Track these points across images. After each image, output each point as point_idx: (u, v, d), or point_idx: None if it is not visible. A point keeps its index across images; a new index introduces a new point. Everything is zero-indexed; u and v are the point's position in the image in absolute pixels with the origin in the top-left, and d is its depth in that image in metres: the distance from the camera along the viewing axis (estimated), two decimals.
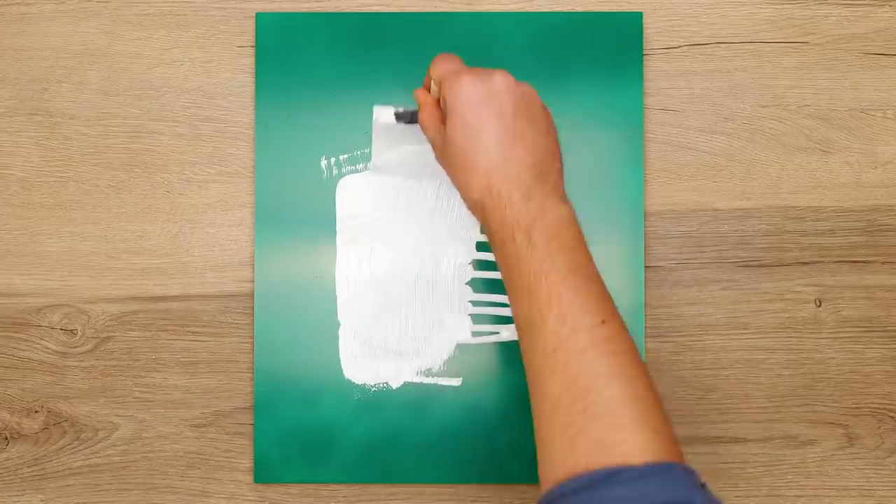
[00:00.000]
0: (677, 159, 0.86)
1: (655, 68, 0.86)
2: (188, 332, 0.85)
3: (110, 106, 0.86)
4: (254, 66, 0.86)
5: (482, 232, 0.73)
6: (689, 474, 0.60)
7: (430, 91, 0.75)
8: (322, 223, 0.85)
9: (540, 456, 0.63)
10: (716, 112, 0.86)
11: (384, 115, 0.80)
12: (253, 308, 0.85)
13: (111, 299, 0.85)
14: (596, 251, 0.77)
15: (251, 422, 0.85)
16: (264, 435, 0.84)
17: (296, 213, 0.85)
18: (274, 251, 0.85)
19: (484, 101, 0.68)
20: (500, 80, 0.69)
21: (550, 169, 0.69)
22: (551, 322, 0.63)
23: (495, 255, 0.69)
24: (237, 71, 0.86)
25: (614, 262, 0.84)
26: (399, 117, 0.80)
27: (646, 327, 0.85)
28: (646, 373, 0.65)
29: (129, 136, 0.86)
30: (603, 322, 0.64)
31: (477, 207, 0.69)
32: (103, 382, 0.85)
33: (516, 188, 0.67)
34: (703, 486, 0.61)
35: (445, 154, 0.71)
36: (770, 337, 0.85)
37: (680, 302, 0.85)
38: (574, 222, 0.67)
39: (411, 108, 0.79)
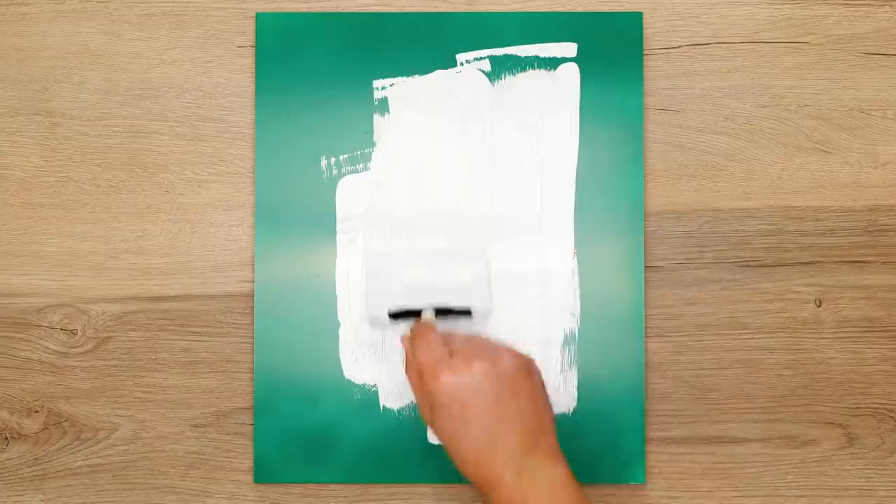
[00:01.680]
0: (677, 159, 0.85)
1: (655, 68, 0.85)
2: (188, 332, 0.85)
3: (110, 106, 0.86)
4: (254, 66, 0.85)
5: None
6: None
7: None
8: (322, 223, 0.84)
9: None
10: (716, 112, 0.86)
11: (374, 307, 0.81)
12: (253, 308, 0.84)
13: (111, 299, 0.85)
14: (596, 251, 0.83)
15: (251, 422, 0.84)
16: (264, 435, 0.84)
17: (296, 213, 0.84)
18: (274, 251, 0.84)
19: (466, 396, 0.71)
20: (479, 373, 0.71)
21: (539, 432, 0.71)
22: None
23: None
24: (237, 71, 0.86)
25: (614, 262, 0.84)
26: (392, 317, 0.81)
27: (646, 327, 0.85)
28: None
29: (130, 136, 0.86)
30: None
31: (476, 486, 0.72)
32: (103, 382, 0.85)
33: (507, 470, 0.69)
34: None
35: (435, 430, 0.73)
36: (770, 337, 0.85)
37: (680, 302, 0.85)
38: (570, 481, 0.70)
39: (405, 308, 0.80)
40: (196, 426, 0.85)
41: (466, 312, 0.80)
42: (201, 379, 0.85)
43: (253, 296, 0.84)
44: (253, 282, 0.85)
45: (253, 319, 0.84)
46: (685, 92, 0.86)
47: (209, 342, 0.85)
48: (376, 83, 0.85)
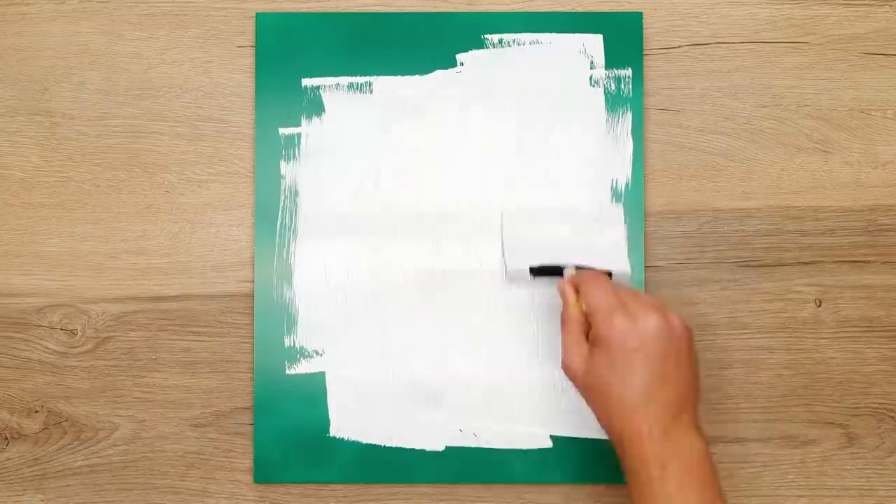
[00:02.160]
0: (677, 159, 0.85)
1: (655, 68, 0.85)
2: (188, 332, 0.85)
3: (110, 106, 0.85)
4: (254, 66, 0.85)
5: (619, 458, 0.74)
6: None
7: (575, 294, 0.76)
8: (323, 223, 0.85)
9: None
10: (716, 112, 0.85)
11: (516, 262, 0.81)
12: (253, 308, 0.84)
13: (111, 299, 0.85)
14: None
15: (251, 422, 0.84)
16: (264, 435, 0.83)
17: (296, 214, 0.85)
18: (273, 251, 0.84)
19: (635, 344, 0.71)
20: (653, 326, 0.72)
21: (689, 403, 0.72)
22: None
23: (628, 481, 0.71)
24: (237, 71, 0.85)
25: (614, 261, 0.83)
26: (534, 272, 0.81)
27: None
28: None
29: (130, 136, 0.85)
30: None
31: (615, 436, 0.72)
32: (103, 382, 0.84)
33: (656, 426, 0.70)
34: None
35: (587, 377, 0.73)
36: (770, 337, 0.85)
37: (680, 302, 0.84)
38: (707, 457, 0.71)
39: (547, 265, 0.80)
40: (196, 426, 0.84)
41: (607, 275, 0.79)
42: (201, 379, 0.84)
43: (253, 296, 0.84)
44: (253, 282, 0.84)
45: (253, 319, 0.84)
46: (685, 92, 0.85)
47: (209, 342, 0.85)
48: (375, 82, 0.85)
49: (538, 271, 0.80)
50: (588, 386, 0.73)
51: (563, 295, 0.76)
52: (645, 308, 0.72)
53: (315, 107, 0.85)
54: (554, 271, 0.80)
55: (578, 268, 0.79)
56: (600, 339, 0.72)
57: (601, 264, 0.79)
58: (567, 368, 0.74)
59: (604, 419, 0.73)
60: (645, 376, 0.71)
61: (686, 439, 0.70)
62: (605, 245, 0.80)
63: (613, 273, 0.79)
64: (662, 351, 0.71)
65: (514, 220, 0.81)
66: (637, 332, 0.71)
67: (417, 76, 0.85)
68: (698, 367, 0.74)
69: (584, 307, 0.75)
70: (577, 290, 0.76)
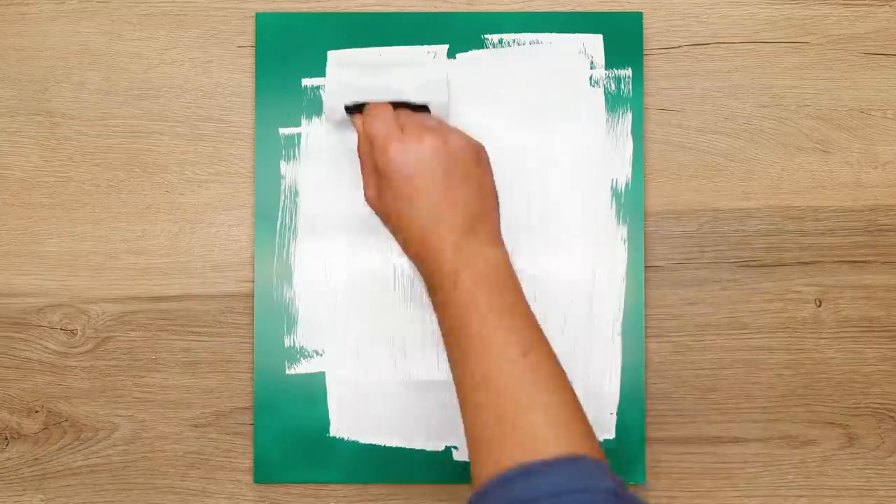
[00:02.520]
0: (677, 159, 0.85)
1: (655, 68, 0.85)
2: (188, 332, 0.85)
3: (110, 106, 0.85)
4: (254, 66, 0.85)
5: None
6: (598, 464, 0.63)
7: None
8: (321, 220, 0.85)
9: (471, 467, 0.66)
10: (716, 112, 0.85)
11: (333, 99, 0.80)
12: (253, 308, 0.84)
13: (111, 299, 0.85)
14: (596, 251, 0.83)
15: (251, 422, 0.84)
16: (264, 435, 0.83)
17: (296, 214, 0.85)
18: (273, 251, 0.84)
19: (414, 168, 0.71)
20: (429, 146, 0.71)
21: (483, 219, 0.71)
22: (473, 359, 0.67)
23: (431, 302, 0.72)
24: (237, 71, 0.85)
25: (615, 261, 0.84)
26: (349, 110, 0.80)
27: (646, 327, 0.85)
28: (566, 386, 0.67)
29: (130, 136, 0.85)
30: (524, 354, 0.66)
31: (414, 261, 0.73)
32: (103, 382, 0.84)
33: (448, 243, 0.69)
34: (612, 476, 0.63)
35: (381, 207, 0.74)
36: (770, 337, 0.85)
37: (680, 302, 0.85)
38: (503, 264, 0.70)
39: (361, 102, 0.79)
40: (196, 426, 0.84)
41: (424, 108, 0.79)
42: (201, 379, 0.84)
43: (253, 296, 0.84)
44: (253, 282, 0.84)
45: (253, 319, 0.84)
46: (685, 92, 0.85)
47: (209, 342, 0.85)
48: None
49: (353, 109, 0.79)
50: (384, 215, 0.74)
51: (356, 128, 0.77)
52: (420, 132, 0.72)
53: (315, 107, 0.85)
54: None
55: (395, 105, 0.78)
56: (380, 169, 0.72)
57: (418, 98, 0.78)
58: (367, 200, 0.75)
59: (402, 246, 0.73)
60: (430, 197, 0.70)
61: (480, 250, 0.70)
62: (425, 80, 0.79)
63: (431, 105, 0.79)
64: (443, 171, 0.71)
65: (340, 61, 0.81)
66: (411, 157, 0.71)
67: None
68: (492, 179, 0.74)
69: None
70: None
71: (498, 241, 0.72)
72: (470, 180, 0.72)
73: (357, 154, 0.76)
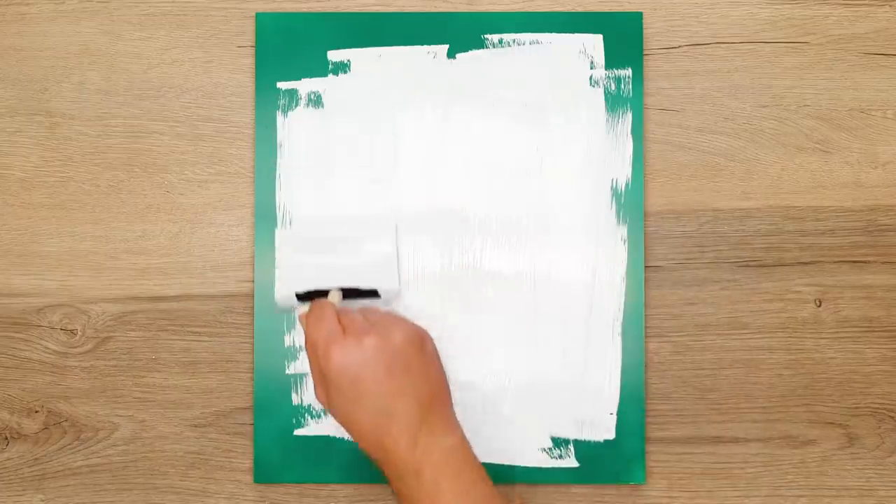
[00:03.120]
0: (677, 159, 0.85)
1: (655, 68, 0.85)
2: (188, 332, 0.84)
3: (110, 106, 0.85)
4: (254, 66, 0.84)
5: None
6: None
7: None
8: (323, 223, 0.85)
9: None
10: (716, 112, 0.85)
11: (284, 288, 0.80)
12: (253, 308, 0.84)
13: (111, 299, 0.84)
14: (596, 251, 0.82)
15: (251, 422, 0.84)
16: (264, 435, 0.83)
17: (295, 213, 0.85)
18: (273, 251, 0.83)
19: (357, 370, 0.71)
20: (370, 345, 0.71)
21: (433, 408, 0.72)
22: None
23: (392, 488, 0.72)
24: (237, 71, 0.85)
25: (615, 262, 0.84)
26: (300, 298, 0.80)
27: (646, 327, 0.84)
28: None
29: (129, 136, 0.85)
30: None
31: (373, 459, 0.73)
32: (103, 382, 0.84)
33: (403, 440, 0.70)
34: None
35: (332, 409, 0.74)
36: (770, 337, 0.84)
37: (680, 302, 0.84)
38: (460, 448, 0.72)
39: (314, 290, 0.79)
40: (196, 426, 0.84)
41: (374, 293, 0.80)
42: (201, 379, 0.84)
43: (253, 296, 0.84)
44: (253, 282, 0.84)
45: (253, 319, 0.83)
46: (685, 92, 0.85)
47: (209, 342, 0.84)
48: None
49: (305, 297, 0.79)
50: (335, 415, 0.74)
51: (302, 326, 0.77)
52: (360, 333, 0.72)
53: (314, 106, 0.84)
54: (321, 294, 0.79)
55: (346, 290, 0.79)
56: (324, 375, 0.73)
57: (369, 283, 0.79)
58: (318, 399, 0.75)
59: (362, 445, 0.73)
60: (376, 397, 0.71)
61: (436, 441, 0.71)
62: (375, 262, 0.80)
63: (381, 290, 0.80)
64: (385, 368, 0.71)
65: (288, 243, 0.80)
66: (352, 359, 0.71)
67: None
68: (439, 363, 0.75)
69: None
70: None
71: (452, 426, 0.73)
72: (413, 372, 0.72)
73: (307, 353, 0.76)
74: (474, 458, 0.72)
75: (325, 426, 0.83)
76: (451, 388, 0.78)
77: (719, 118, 0.85)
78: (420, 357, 0.73)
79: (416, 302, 0.82)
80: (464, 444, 0.72)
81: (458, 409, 0.79)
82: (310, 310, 0.75)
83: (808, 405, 0.84)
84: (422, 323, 0.80)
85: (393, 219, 0.81)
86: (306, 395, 0.83)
